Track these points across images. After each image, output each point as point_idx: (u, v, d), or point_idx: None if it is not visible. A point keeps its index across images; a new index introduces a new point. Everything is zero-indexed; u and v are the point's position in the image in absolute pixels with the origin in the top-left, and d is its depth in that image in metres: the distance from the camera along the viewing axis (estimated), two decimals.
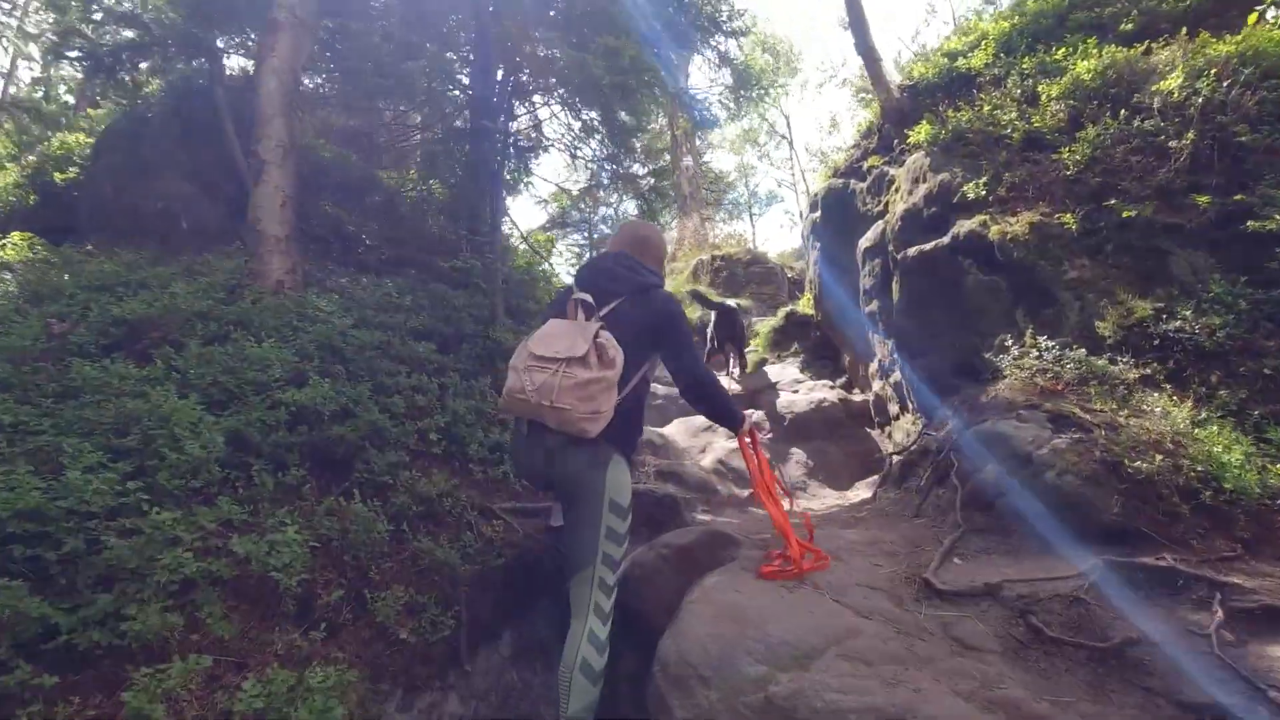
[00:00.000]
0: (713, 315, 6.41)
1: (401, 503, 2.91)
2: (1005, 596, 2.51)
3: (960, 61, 6.00)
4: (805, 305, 8.46)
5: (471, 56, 5.71)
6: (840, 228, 7.32)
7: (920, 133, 5.63)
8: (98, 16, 4.23)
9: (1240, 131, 3.84)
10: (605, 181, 5.40)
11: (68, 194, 5.63)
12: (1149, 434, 3.06)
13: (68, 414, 2.37)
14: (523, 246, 7.09)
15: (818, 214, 7.80)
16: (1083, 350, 3.89)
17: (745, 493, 4.56)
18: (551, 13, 4.91)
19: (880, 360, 6.33)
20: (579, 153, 5.27)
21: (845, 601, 2.56)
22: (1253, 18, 4.22)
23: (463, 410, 3.66)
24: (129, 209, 4.68)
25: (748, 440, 2.87)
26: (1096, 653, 2.13)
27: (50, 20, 4.82)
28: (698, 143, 20.61)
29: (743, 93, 7.39)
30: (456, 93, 6.14)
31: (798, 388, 6.77)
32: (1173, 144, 4.06)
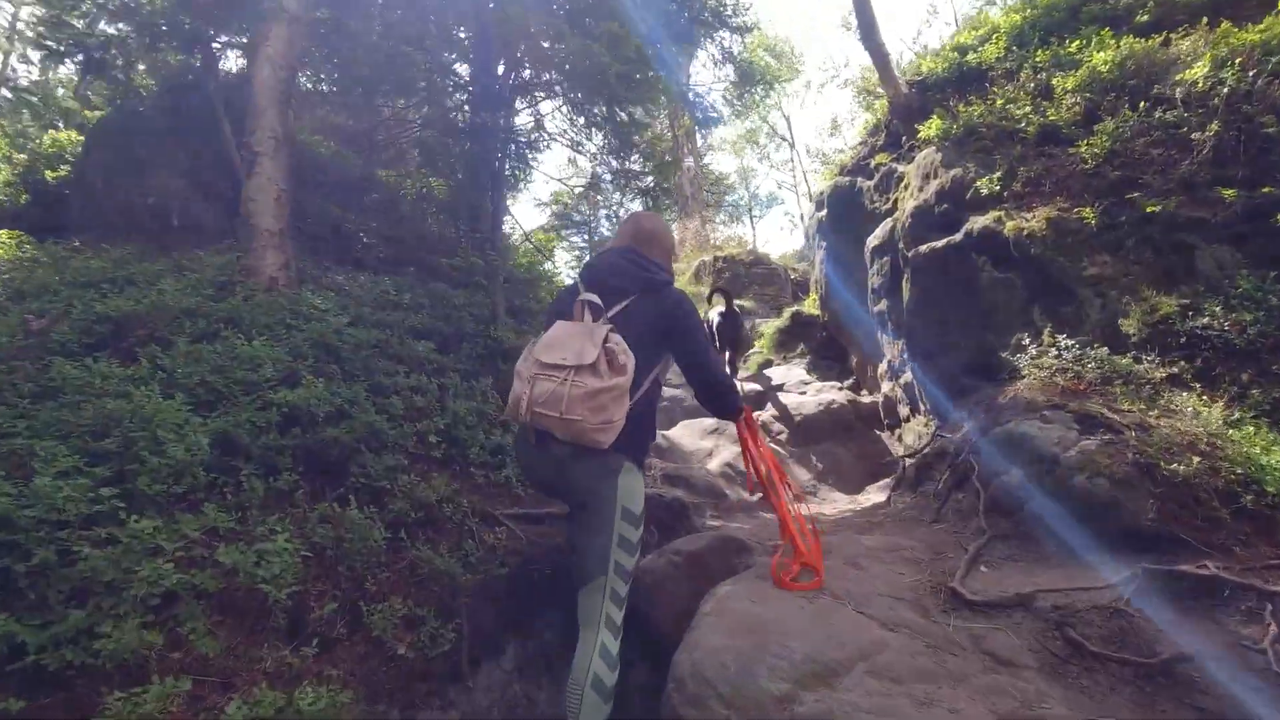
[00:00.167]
0: (715, 316, 6.28)
1: (399, 509, 2.78)
2: (1039, 607, 2.37)
3: (970, 56, 5.88)
4: (811, 305, 8.33)
5: (472, 55, 5.59)
6: (847, 226, 7.19)
7: (931, 128, 5.51)
8: (86, 6, 4.10)
9: (1267, 123, 3.71)
10: (608, 178, 5.26)
11: (59, 191, 5.49)
12: (1182, 435, 2.92)
13: (44, 415, 2.23)
14: (524, 245, 6.96)
15: (824, 212, 7.68)
16: (1105, 349, 3.76)
17: (755, 497, 4.42)
18: (554, 5, 4.79)
19: (889, 361, 6.19)
20: (581, 149, 5.15)
21: (869, 612, 2.42)
22: None
23: (463, 411, 3.52)
24: (120, 206, 4.54)
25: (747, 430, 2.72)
26: (1143, 669, 1.99)
27: (38, 14, 4.68)
28: (698, 144, 20.53)
29: (746, 90, 7.27)
30: (457, 90, 6.02)
31: (805, 389, 6.64)
32: (1196, 136, 3.93)
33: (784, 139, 22.56)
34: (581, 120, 5.32)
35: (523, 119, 5.88)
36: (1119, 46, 4.61)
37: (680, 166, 13.57)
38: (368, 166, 6.18)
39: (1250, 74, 3.84)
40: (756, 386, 6.95)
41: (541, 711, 2.73)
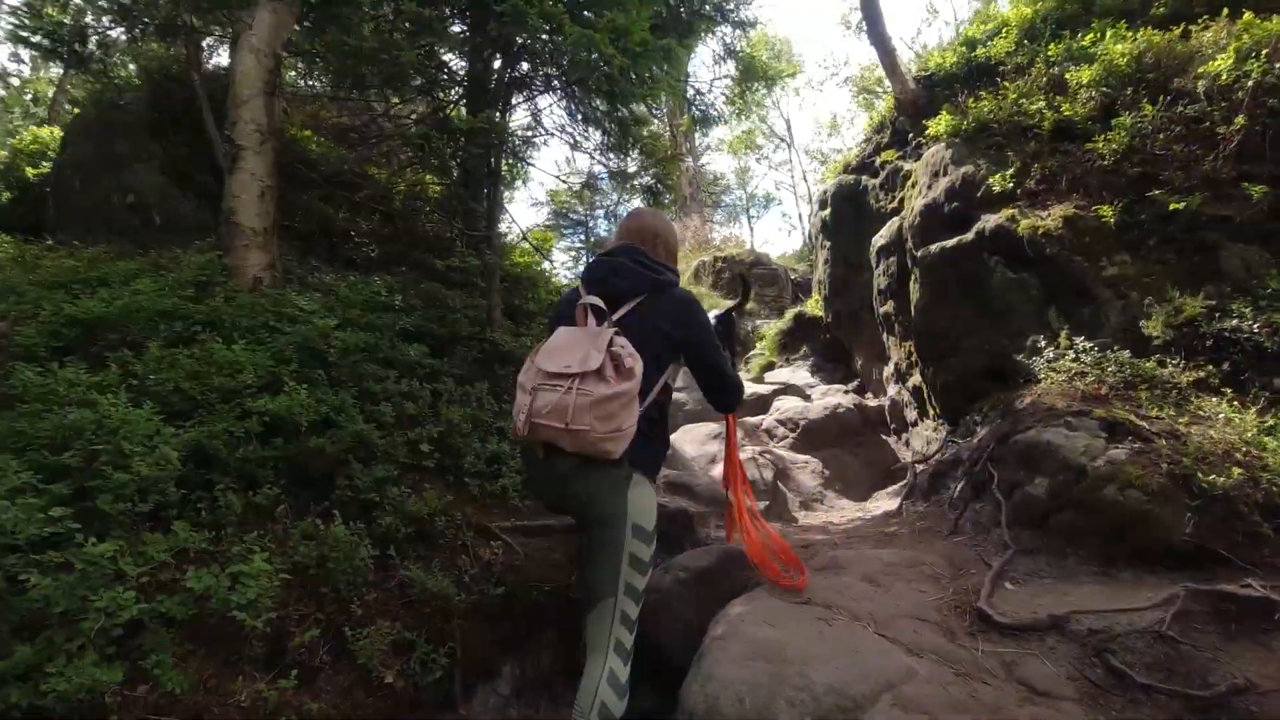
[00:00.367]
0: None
1: (389, 524, 2.60)
2: (1074, 630, 2.21)
3: (980, 50, 5.73)
4: (814, 306, 8.18)
5: (468, 48, 5.42)
6: (852, 225, 7.04)
7: (940, 124, 5.36)
8: None
9: None
10: (605, 176, 5.10)
11: (40, 189, 5.31)
12: (1216, 444, 2.77)
13: (0, 426, 2.05)
14: (521, 245, 6.79)
15: (827, 211, 7.53)
16: (1127, 352, 3.61)
17: (761, 505, 4.26)
18: None
19: (896, 364, 6.04)
20: (580, 146, 4.98)
21: (892, 636, 2.26)
22: None
23: (458, 418, 3.35)
24: (98, 203, 4.36)
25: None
26: (1197, 702, 1.83)
27: (12, 2, 4.50)
28: (696, 143, 20.39)
29: (747, 86, 7.11)
30: (452, 85, 5.85)
31: (810, 392, 6.48)
32: (1220, 130, 3.78)
33: (782, 139, 22.46)
34: (580, 116, 5.15)
35: (520, 115, 5.73)
36: (1136, 39, 4.47)
37: (680, 165, 13.41)
38: (359, 164, 6.01)
39: (1277, 66, 3.69)
40: (761, 390, 6.80)
41: None
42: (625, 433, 1.95)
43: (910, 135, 6.23)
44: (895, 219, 5.93)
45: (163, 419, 2.30)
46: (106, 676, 1.60)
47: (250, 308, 3.03)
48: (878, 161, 6.70)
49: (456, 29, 5.58)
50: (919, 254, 5.19)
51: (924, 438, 5.38)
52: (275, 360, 2.80)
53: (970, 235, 4.72)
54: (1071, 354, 3.83)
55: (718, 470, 4.71)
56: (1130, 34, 4.56)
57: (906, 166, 6.10)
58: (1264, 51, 3.75)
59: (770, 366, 7.84)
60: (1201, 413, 3.11)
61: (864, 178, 6.91)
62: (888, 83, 7.72)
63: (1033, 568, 2.76)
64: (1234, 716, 1.77)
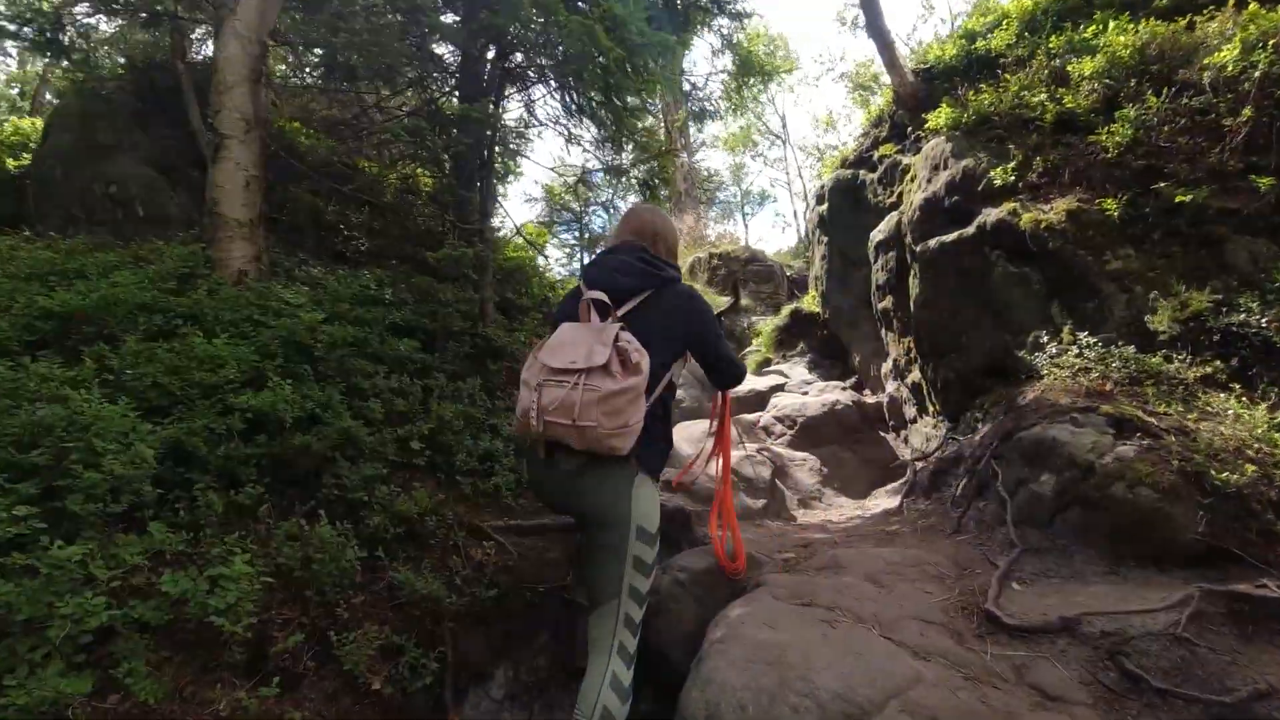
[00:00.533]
0: None
1: (377, 524, 2.51)
2: (1086, 633, 2.14)
3: (980, 43, 5.66)
4: (810, 302, 8.11)
5: (460, 38, 5.31)
6: (849, 220, 6.97)
7: (939, 117, 5.28)
8: None
9: None
10: (599, 170, 5.01)
11: (19, 181, 5.17)
12: (1228, 440, 2.71)
13: None
14: (514, 240, 6.69)
15: (824, 206, 7.45)
16: (1131, 348, 3.55)
17: (759, 503, 4.18)
18: None
19: (895, 360, 5.97)
20: (574, 138, 4.88)
21: (898, 639, 2.19)
22: None
23: (449, 415, 3.26)
24: (79, 194, 4.24)
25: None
26: (1217, 708, 1.76)
27: None
28: (692, 140, 20.29)
29: (744, 80, 7.03)
30: (444, 76, 5.74)
31: (807, 389, 6.41)
32: (1227, 122, 3.72)
33: (777, 136, 22.39)
34: (575, 108, 5.06)
35: (514, 106, 5.64)
36: (1139, 31, 4.40)
37: (676, 160, 13.32)
38: (350, 156, 5.89)
39: None
40: (758, 387, 6.73)
41: None
42: (632, 429, 1.92)
43: (909, 129, 6.15)
44: (894, 214, 5.86)
45: (139, 415, 2.20)
46: (72, 687, 1.51)
47: (234, 301, 2.93)
48: (876, 156, 6.62)
49: (449, 19, 5.49)
50: (918, 249, 5.12)
51: (923, 435, 5.32)
52: (259, 355, 2.71)
53: (971, 229, 4.65)
54: (1075, 349, 3.77)
55: (714, 467, 4.62)
56: (1133, 25, 4.49)
57: (905, 161, 6.03)
58: (1271, 42, 3.68)
59: (767, 363, 7.76)
60: (1209, 409, 3.04)
61: (862, 172, 6.83)
62: (885, 79, 7.66)
63: (1039, 567, 2.69)
64: None
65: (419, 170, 5.56)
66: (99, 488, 1.84)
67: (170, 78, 4.65)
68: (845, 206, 7.06)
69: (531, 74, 4.65)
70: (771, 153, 23.94)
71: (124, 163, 4.39)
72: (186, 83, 4.34)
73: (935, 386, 5.01)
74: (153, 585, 1.85)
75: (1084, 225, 4.03)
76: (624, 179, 4.81)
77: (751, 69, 6.82)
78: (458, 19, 5.37)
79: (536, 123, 4.83)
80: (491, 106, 4.73)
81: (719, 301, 9.75)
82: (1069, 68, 4.71)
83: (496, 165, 6.11)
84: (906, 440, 5.68)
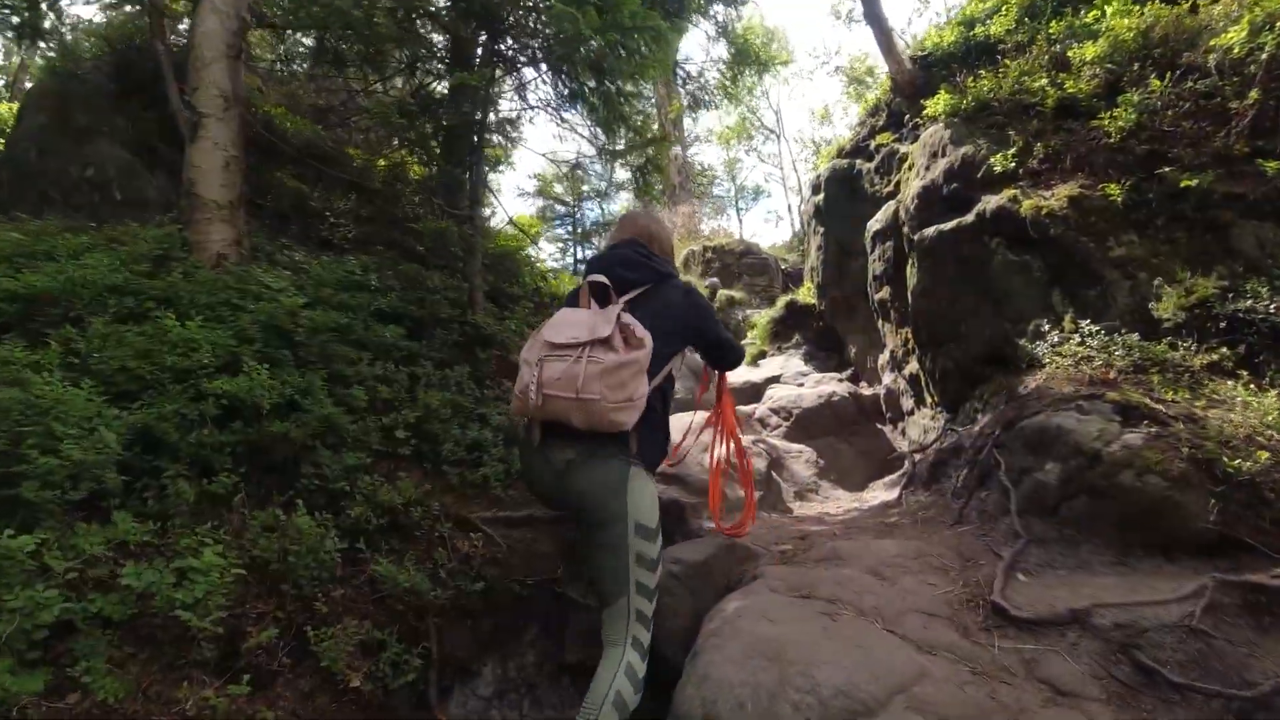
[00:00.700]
0: None
1: (359, 514, 2.41)
2: (1097, 625, 2.05)
3: (979, 29, 5.57)
4: (806, 294, 8.02)
5: (450, 23, 5.19)
6: (845, 211, 6.88)
7: (938, 104, 5.19)
8: None
9: None
10: (593, 154, 4.90)
11: None
12: (1238, 428, 2.63)
13: None
14: (505, 230, 6.57)
15: (820, 197, 7.36)
16: (1135, 335, 3.47)
17: (755, 495, 4.08)
18: None
19: (892, 351, 5.89)
20: (567, 123, 4.77)
21: (902, 632, 2.10)
22: None
23: (436, 403, 3.16)
24: (55, 178, 4.10)
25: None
26: (1238, 703, 1.68)
27: None
28: (686, 134, 20.16)
29: (740, 69, 6.92)
30: (434, 61, 5.61)
31: (803, 381, 6.33)
32: (1233, 105, 3.64)
33: (772, 131, 22.28)
34: (567, 93, 4.94)
35: (507, 93, 5.51)
36: (1142, 14, 4.31)
37: (669, 147, 13.18)
38: (337, 142, 5.76)
39: None
40: (753, 379, 6.63)
41: None
42: (636, 403, 1.89)
43: (907, 117, 6.07)
44: (891, 203, 5.77)
45: (106, 400, 2.09)
46: (22, 686, 1.40)
47: (211, 284, 2.81)
48: (873, 145, 6.53)
49: (441, 3, 5.36)
50: (916, 237, 5.03)
51: (921, 426, 5.24)
52: (237, 339, 2.60)
53: (970, 217, 4.56)
54: (1077, 337, 3.69)
55: (710, 460, 4.53)
56: (1136, 8, 4.41)
57: (903, 149, 5.94)
58: (1278, 24, 3.61)
59: (762, 355, 7.67)
60: (1218, 396, 2.97)
61: (858, 161, 6.75)
62: (879, 74, 7.61)
63: (1045, 558, 2.61)
64: (1276, 716, 1.62)
65: (407, 156, 5.43)
66: (57, 474, 1.73)
67: (149, 59, 4.50)
68: (842, 196, 6.97)
69: (523, 58, 4.53)
70: (766, 147, 23.88)
71: (101, 145, 4.25)
72: (166, 63, 4.19)
73: (933, 377, 4.93)
74: (115, 578, 1.74)
75: (1086, 211, 3.95)
76: (617, 163, 4.69)
77: (747, 58, 6.71)
78: (448, 1, 5.24)
79: (528, 106, 4.71)
80: (482, 91, 4.61)
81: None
82: (1070, 53, 4.63)
83: (488, 151, 6.00)
84: (904, 432, 5.60)
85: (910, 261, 5.20)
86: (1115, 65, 4.30)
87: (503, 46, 4.88)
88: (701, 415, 3.22)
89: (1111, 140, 4.04)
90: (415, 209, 5.04)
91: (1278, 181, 3.42)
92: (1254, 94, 3.55)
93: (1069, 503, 2.70)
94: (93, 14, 5.07)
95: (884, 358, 6.18)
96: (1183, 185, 3.59)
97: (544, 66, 4.85)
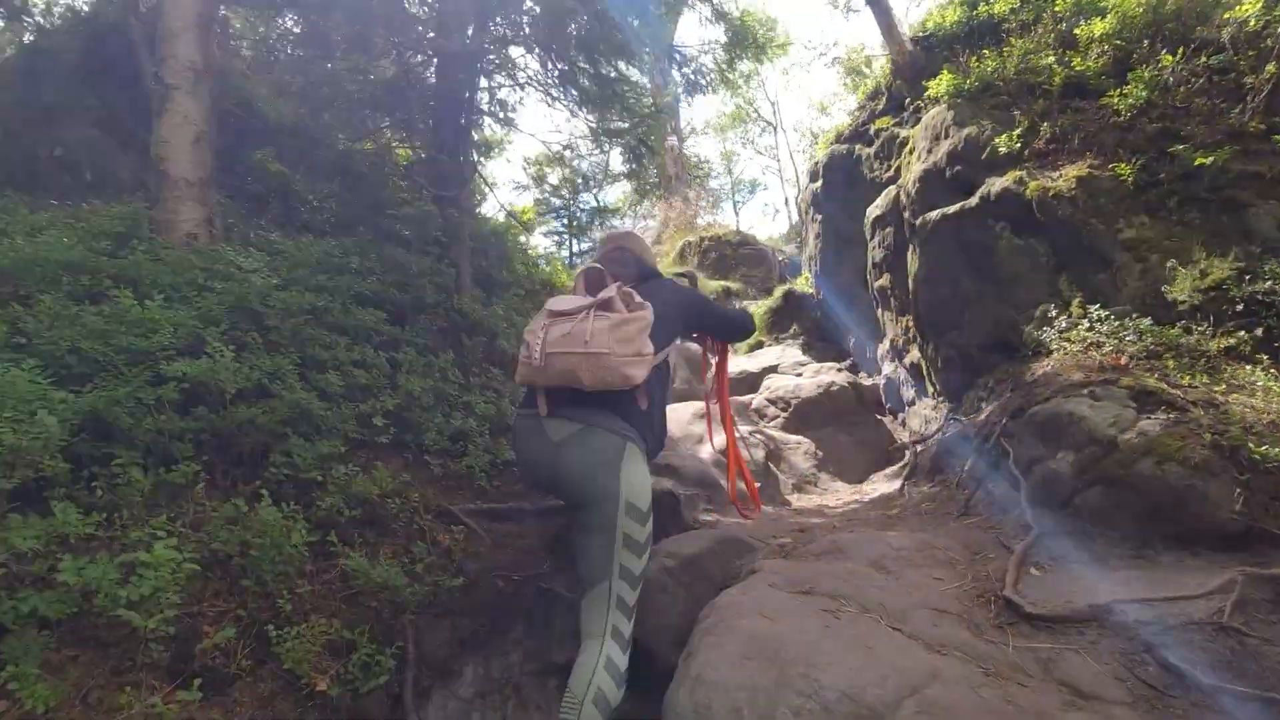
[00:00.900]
0: None
1: (330, 506, 2.26)
2: (1118, 622, 1.92)
3: (982, 7, 5.42)
4: (804, 283, 7.87)
5: (439, 6, 5.03)
6: (845, 197, 6.72)
7: (940, 84, 5.04)
8: None
9: None
10: (586, 134, 4.74)
11: None
12: (1260, 414, 2.49)
13: None
14: (497, 218, 6.41)
15: (818, 184, 7.20)
16: (1148, 319, 3.33)
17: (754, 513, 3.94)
18: None
19: (892, 340, 5.75)
20: (558, 101, 4.60)
21: (910, 631, 1.96)
22: None
23: (418, 390, 3.01)
24: (23, 157, 3.93)
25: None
26: (1278, 707, 1.54)
27: None
28: (682, 126, 19.97)
29: (737, 53, 6.75)
30: (423, 45, 5.45)
31: (801, 370, 6.19)
32: (1249, 80, 3.51)
33: (769, 122, 22.09)
34: (557, 74, 4.78)
35: (498, 78, 5.35)
36: None
37: (663, 144, 13.01)
38: (325, 126, 5.59)
39: None
40: (750, 369, 6.49)
41: None
42: (645, 359, 1.92)
43: (908, 100, 5.90)
44: (892, 188, 5.62)
45: (53, 382, 1.93)
46: None
47: (177, 263, 2.66)
48: (872, 129, 6.37)
49: None
50: (918, 222, 4.89)
51: (922, 417, 5.11)
52: (202, 320, 2.44)
53: (974, 200, 4.42)
54: (1086, 323, 3.56)
55: (705, 451, 4.40)
56: None
57: (903, 133, 5.78)
58: None
59: (759, 345, 7.53)
60: (1236, 381, 2.83)
61: (858, 147, 6.58)
62: (878, 64, 7.40)
63: (1058, 551, 2.48)
64: None
65: (394, 139, 5.26)
66: None
67: (122, 36, 4.33)
68: (840, 183, 6.81)
69: (509, 33, 4.37)
70: (763, 140, 23.63)
71: (72, 124, 4.09)
72: (139, 38, 4.02)
73: (935, 366, 4.79)
74: (55, 573, 1.59)
75: (1095, 192, 3.81)
76: (611, 141, 4.52)
77: (744, 41, 6.54)
78: None
79: (515, 84, 4.55)
80: (471, 72, 4.45)
81: (708, 287, 9.51)
82: (1078, 30, 4.49)
83: (480, 137, 5.83)
84: (904, 423, 5.47)
85: (911, 247, 5.06)
86: (1125, 42, 4.16)
87: (493, 27, 4.73)
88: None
89: (1121, 119, 3.90)
90: (402, 192, 4.87)
91: None
92: (1270, 68, 3.42)
93: (1083, 493, 2.56)
94: None
95: (884, 347, 6.04)
96: (1196, 164, 3.46)
97: (535, 51, 4.70)
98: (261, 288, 2.67)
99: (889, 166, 5.96)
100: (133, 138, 4.14)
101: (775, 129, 21.91)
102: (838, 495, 4.42)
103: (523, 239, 6.16)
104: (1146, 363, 3.15)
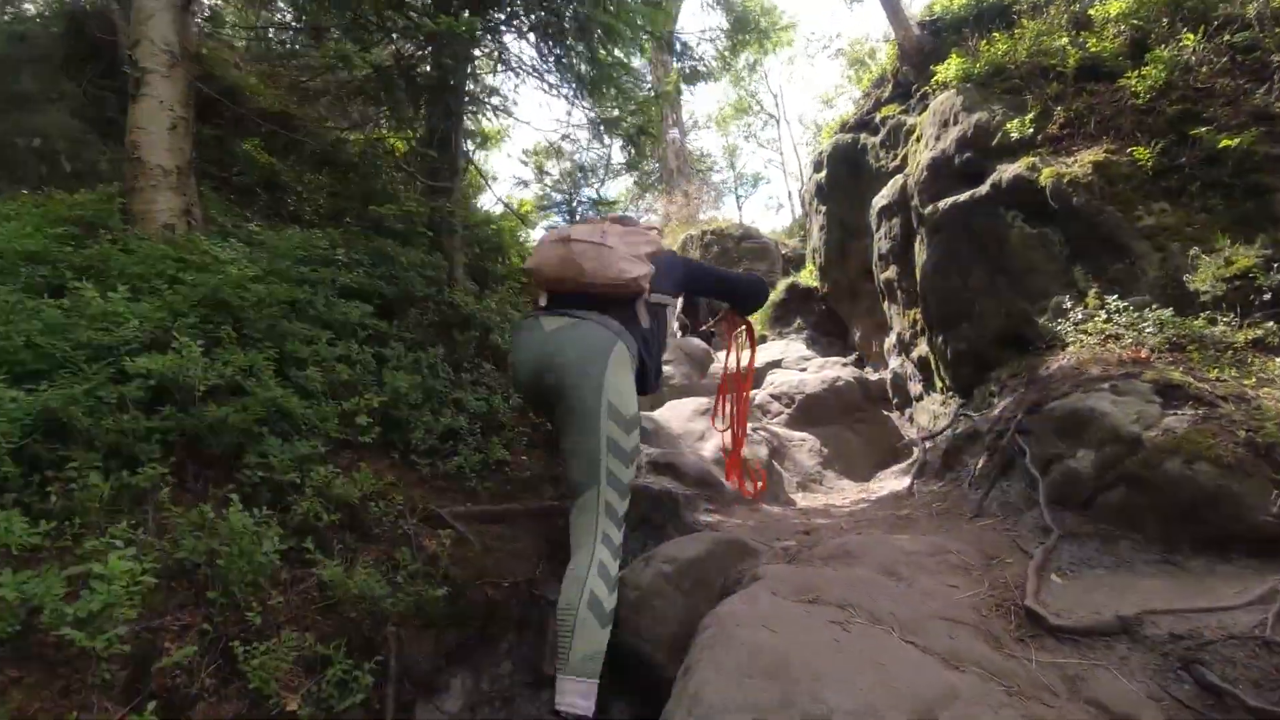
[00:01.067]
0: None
1: (307, 510, 2.12)
2: (1151, 635, 1.78)
3: None
4: (808, 276, 7.72)
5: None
6: (849, 188, 6.58)
7: (949, 69, 4.89)
8: None
9: None
10: (583, 123, 4.60)
11: None
12: None
13: None
14: (495, 210, 6.27)
15: (822, 174, 7.05)
16: (1168, 310, 3.19)
17: (758, 488, 3.81)
18: None
19: (899, 334, 5.61)
20: (555, 89, 4.46)
21: (924, 644, 1.82)
22: None
23: (406, 387, 2.87)
24: None
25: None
26: None
27: None
28: (684, 120, 19.78)
29: (739, 38, 6.58)
30: (414, 30, 5.30)
31: (806, 365, 6.04)
32: (1275, 59, 3.35)
33: (771, 115, 21.89)
34: (552, 60, 4.63)
35: (491, 63, 5.20)
36: None
37: (664, 137, 12.84)
38: (316, 117, 5.45)
39: None
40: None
41: None
42: (644, 261, 2.14)
43: (914, 87, 5.74)
44: (899, 177, 5.47)
45: (4, 381, 1.81)
46: None
47: (146, 254, 2.52)
48: (878, 118, 6.21)
49: None
50: (926, 211, 4.74)
51: (931, 412, 4.97)
52: (172, 314, 2.31)
53: (984, 188, 4.27)
54: (1103, 314, 3.42)
55: (707, 449, 4.26)
56: None
57: (910, 121, 5.63)
58: None
59: (762, 340, 7.39)
60: (1266, 374, 2.69)
61: (863, 136, 6.43)
62: (881, 57, 7.24)
63: (1080, 555, 2.34)
64: None
65: (385, 129, 5.12)
66: None
67: (101, 24, 4.19)
68: (845, 173, 6.66)
69: (503, 16, 4.22)
70: (765, 133, 23.45)
71: (51, 114, 3.94)
72: (121, 25, 3.88)
73: (944, 360, 4.65)
74: None
75: (1112, 178, 3.66)
76: (610, 132, 4.38)
77: (746, 26, 6.37)
78: None
79: (508, 68, 4.39)
80: (463, 56, 4.30)
81: None
82: (1092, 10, 4.34)
83: (473, 129, 5.69)
84: (912, 419, 5.33)
85: (919, 238, 4.91)
86: (1142, 21, 4.00)
87: (489, 17, 4.57)
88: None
89: (1139, 101, 3.75)
90: (394, 184, 4.73)
91: None
92: None
93: (1105, 494, 2.42)
94: None
95: (890, 340, 5.89)
96: (1220, 146, 3.31)
97: (530, 37, 4.54)
98: (237, 279, 2.53)
99: (895, 155, 5.81)
100: (115, 128, 3.99)
101: (778, 121, 21.80)
102: (844, 494, 4.28)
103: (521, 233, 5.99)
104: (1169, 355, 3.01)
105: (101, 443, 1.91)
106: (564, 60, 4.61)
